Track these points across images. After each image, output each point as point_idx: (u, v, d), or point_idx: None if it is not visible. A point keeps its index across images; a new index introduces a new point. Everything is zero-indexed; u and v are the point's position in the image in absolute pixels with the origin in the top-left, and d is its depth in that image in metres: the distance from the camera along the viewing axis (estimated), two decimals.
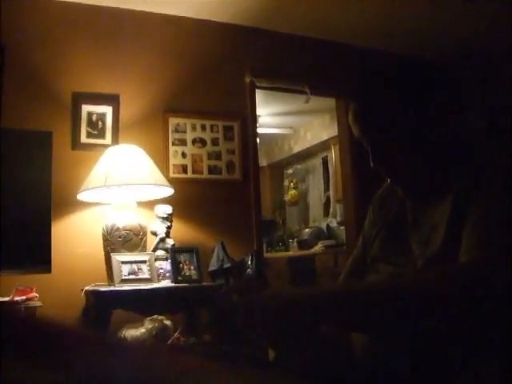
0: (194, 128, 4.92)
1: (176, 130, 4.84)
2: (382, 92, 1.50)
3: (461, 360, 1.27)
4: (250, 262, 4.22)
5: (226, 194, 4.98)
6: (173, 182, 4.35)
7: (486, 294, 1.17)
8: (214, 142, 4.99)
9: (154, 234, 4.16)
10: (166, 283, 3.97)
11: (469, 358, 1.26)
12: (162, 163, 4.60)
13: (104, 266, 3.91)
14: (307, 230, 9.38)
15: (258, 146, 5.53)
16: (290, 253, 9.01)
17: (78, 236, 4.28)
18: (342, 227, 7.87)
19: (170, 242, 4.15)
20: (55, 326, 0.50)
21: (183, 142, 4.87)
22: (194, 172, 4.87)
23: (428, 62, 1.56)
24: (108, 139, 4.49)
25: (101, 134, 4.49)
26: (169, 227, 4.18)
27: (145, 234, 4.01)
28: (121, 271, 3.77)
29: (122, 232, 3.89)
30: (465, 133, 1.64)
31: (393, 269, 1.53)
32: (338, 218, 8.92)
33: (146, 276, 3.85)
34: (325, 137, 8.84)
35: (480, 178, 1.35)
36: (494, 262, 1.20)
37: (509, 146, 1.47)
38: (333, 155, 8.71)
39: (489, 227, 1.26)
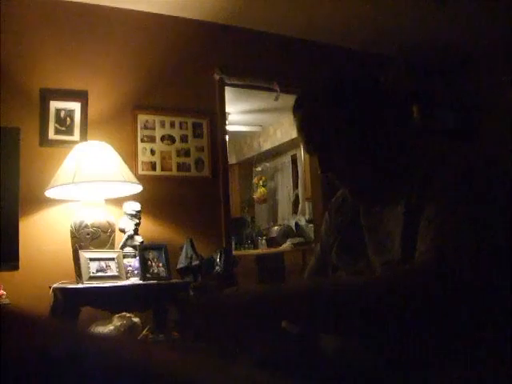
0: (162, 125, 4.91)
1: (145, 127, 4.83)
2: (324, 100, 1.53)
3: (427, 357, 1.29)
4: (218, 260, 4.22)
5: (195, 191, 4.98)
6: (141, 178, 4.35)
7: (444, 294, 1.19)
8: (183, 139, 4.98)
9: (123, 231, 4.15)
10: (135, 280, 3.96)
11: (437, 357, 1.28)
12: (131, 160, 4.58)
13: (72, 263, 3.88)
14: (276, 227, 9.41)
15: (227, 144, 5.54)
16: (259, 250, 9.03)
17: (45, 233, 4.26)
18: (311, 225, 7.92)
19: (138, 239, 4.14)
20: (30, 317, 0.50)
21: (152, 139, 4.85)
22: (162, 169, 4.86)
23: (383, 64, 1.58)
24: (76, 136, 4.46)
25: (69, 130, 4.46)
26: (137, 224, 4.17)
27: (113, 231, 3.99)
28: (89, 268, 3.75)
29: (90, 229, 3.88)
30: (428, 131, 1.66)
31: (352, 277, 1.54)
32: (307, 216, 8.96)
33: (115, 273, 3.84)
34: (294, 135, 8.83)
35: (430, 181, 1.36)
36: (449, 263, 1.21)
37: (463, 146, 1.47)
38: (302, 153, 8.74)
39: (441, 229, 1.27)
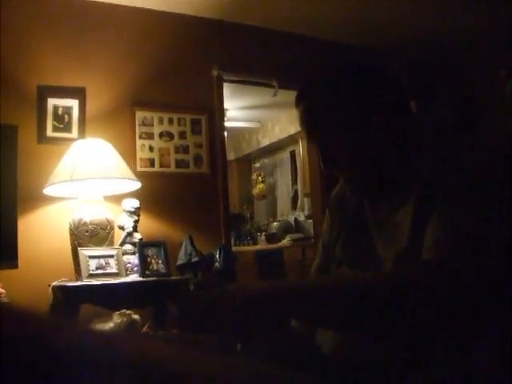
0: (161, 121, 4.90)
1: (143, 124, 4.82)
2: (325, 94, 1.52)
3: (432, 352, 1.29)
4: (218, 256, 4.22)
5: (194, 187, 4.97)
6: (140, 175, 4.34)
7: (449, 292, 1.19)
8: (182, 135, 4.97)
9: (122, 228, 4.14)
10: (134, 277, 3.96)
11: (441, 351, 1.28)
12: (129, 157, 4.57)
13: (71, 261, 3.88)
14: (275, 223, 9.41)
15: (226, 140, 5.53)
16: (258, 246, 9.02)
17: (44, 231, 4.25)
18: (310, 221, 7.92)
19: (137, 236, 4.14)
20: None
21: (150, 136, 4.84)
22: (161, 166, 4.85)
23: (381, 59, 1.57)
24: (74, 133, 4.45)
25: (67, 127, 4.45)
26: (136, 221, 4.16)
27: (112, 228, 3.99)
28: (88, 266, 3.75)
29: (89, 226, 3.87)
30: (427, 126, 1.64)
31: (361, 272, 1.52)
32: (306, 212, 8.96)
33: (114, 270, 3.83)
34: (293, 131, 8.84)
35: (441, 178, 1.35)
36: (455, 260, 1.22)
37: (470, 141, 1.47)
38: (300, 149, 8.74)
39: (450, 225, 1.27)
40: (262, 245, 9.03)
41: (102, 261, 3.82)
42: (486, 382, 1.23)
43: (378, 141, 1.48)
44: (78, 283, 3.71)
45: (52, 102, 4.42)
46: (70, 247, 3.90)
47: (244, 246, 9.25)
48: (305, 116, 1.55)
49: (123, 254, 3.99)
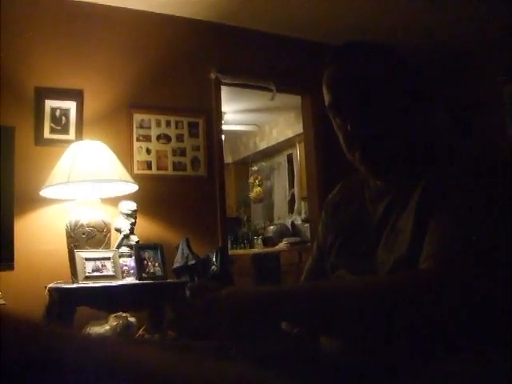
0: (158, 124, 4.90)
1: (140, 126, 4.82)
2: (359, 57, 1.50)
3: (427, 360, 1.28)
4: (214, 259, 4.22)
5: (191, 190, 4.97)
6: (137, 178, 4.34)
7: (445, 302, 1.19)
8: (179, 138, 4.97)
9: (118, 230, 4.13)
10: (130, 280, 3.95)
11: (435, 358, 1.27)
12: (127, 159, 4.57)
13: (68, 263, 3.87)
14: (272, 227, 9.41)
15: (223, 143, 5.53)
16: (255, 250, 9.03)
17: (41, 233, 4.24)
18: (307, 224, 7.91)
19: (134, 238, 4.13)
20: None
21: (148, 138, 4.84)
22: (158, 168, 4.85)
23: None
24: (72, 135, 4.45)
25: (64, 129, 4.45)
26: (133, 224, 4.15)
27: (109, 230, 3.98)
28: (85, 268, 3.74)
29: (86, 229, 3.86)
30: (429, 128, 1.65)
31: (356, 276, 1.51)
32: (303, 216, 8.96)
33: (110, 273, 3.82)
34: (290, 134, 8.86)
35: (443, 184, 1.35)
36: (452, 270, 1.22)
37: (473, 149, 1.46)
38: (298, 152, 8.74)
39: (448, 235, 1.26)
40: (258, 248, 9.04)
41: (99, 263, 3.81)
42: None
43: (408, 117, 1.49)
44: (74, 285, 3.70)
45: (49, 103, 4.42)
46: (67, 249, 3.89)
47: (241, 249, 9.26)
48: (338, 77, 1.50)
49: (120, 257, 3.98)
